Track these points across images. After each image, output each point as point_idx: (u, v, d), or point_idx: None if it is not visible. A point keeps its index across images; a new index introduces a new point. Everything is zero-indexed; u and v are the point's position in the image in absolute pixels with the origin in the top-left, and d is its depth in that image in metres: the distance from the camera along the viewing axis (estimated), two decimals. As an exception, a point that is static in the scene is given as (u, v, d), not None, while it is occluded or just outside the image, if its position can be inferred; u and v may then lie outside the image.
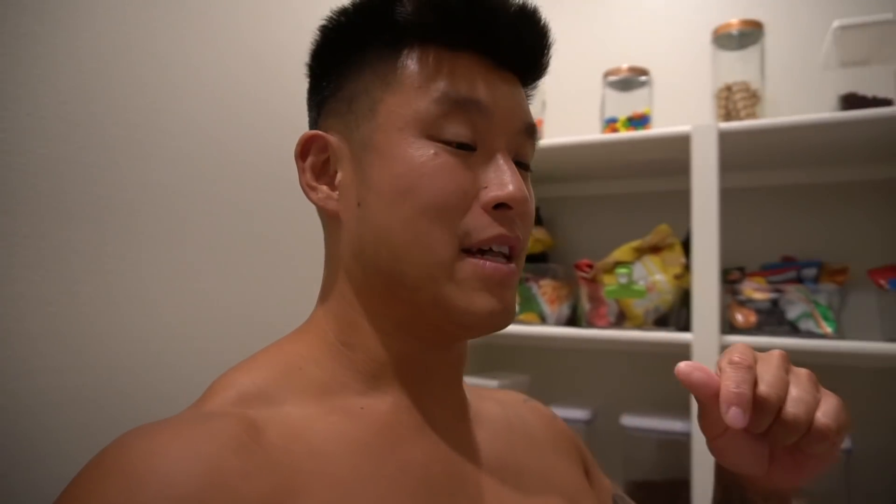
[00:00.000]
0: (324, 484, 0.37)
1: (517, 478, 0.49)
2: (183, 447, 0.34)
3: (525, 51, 0.47)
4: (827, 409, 0.39)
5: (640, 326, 1.23)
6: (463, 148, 0.43)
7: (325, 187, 0.47)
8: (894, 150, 1.19)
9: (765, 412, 0.38)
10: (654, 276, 1.24)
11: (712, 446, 0.44)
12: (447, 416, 0.48)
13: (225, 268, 0.90)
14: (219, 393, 0.41)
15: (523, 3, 0.46)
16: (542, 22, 0.47)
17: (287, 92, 1.01)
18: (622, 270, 1.22)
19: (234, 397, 0.40)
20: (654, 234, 1.28)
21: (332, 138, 0.47)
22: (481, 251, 0.43)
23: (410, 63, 0.45)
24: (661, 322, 1.22)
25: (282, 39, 1.02)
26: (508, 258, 0.45)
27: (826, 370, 1.29)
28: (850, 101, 1.10)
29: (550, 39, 0.48)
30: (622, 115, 1.32)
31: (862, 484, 1.23)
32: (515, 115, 0.46)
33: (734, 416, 0.37)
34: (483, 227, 0.43)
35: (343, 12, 0.48)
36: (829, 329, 1.11)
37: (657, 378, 1.45)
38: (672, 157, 1.26)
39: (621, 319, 1.26)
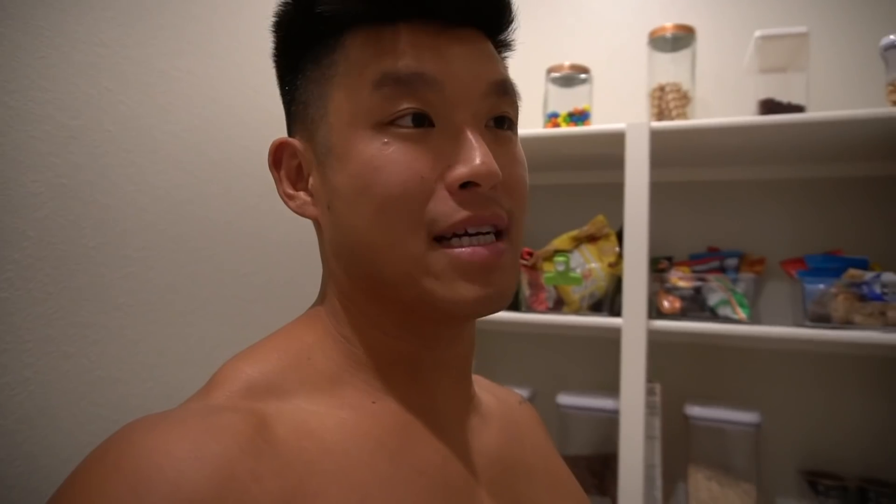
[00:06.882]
0: (341, 486, 0.35)
1: (528, 477, 0.49)
2: (192, 447, 0.32)
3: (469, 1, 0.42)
4: None
5: (576, 311, 1.30)
6: (419, 126, 0.39)
7: (302, 194, 0.45)
8: (806, 152, 1.30)
9: None
10: (590, 264, 1.31)
11: None
12: (458, 411, 0.47)
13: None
14: (225, 384, 0.39)
15: None
16: None
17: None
18: (560, 258, 1.29)
19: (242, 389, 0.38)
20: (591, 225, 1.35)
21: (299, 144, 0.45)
22: (457, 236, 0.39)
23: (349, 51, 0.41)
24: (596, 307, 1.30)
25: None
26: (498, 235, 0.41)
27: (741, 352, 1.42)
28: (768, 105, 1.19)
29: None
30: (563, 111, 1.38)
31: (770, 457, 1.35)
32: (476, 77, 0.41)
33: None
34: (449, 212, 0.39)
35: (282, 10, 0.44)
36: (743, 315, 1.22)
37: (591, 360, 1.54)
38: (609, 151, 1.33)
39: (559, 305, 1.33)
